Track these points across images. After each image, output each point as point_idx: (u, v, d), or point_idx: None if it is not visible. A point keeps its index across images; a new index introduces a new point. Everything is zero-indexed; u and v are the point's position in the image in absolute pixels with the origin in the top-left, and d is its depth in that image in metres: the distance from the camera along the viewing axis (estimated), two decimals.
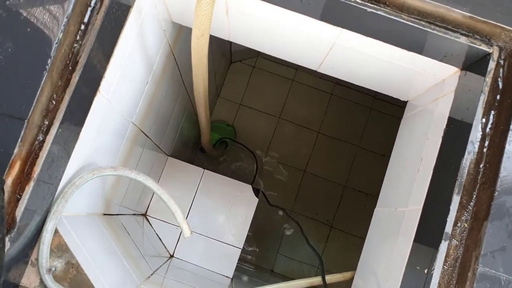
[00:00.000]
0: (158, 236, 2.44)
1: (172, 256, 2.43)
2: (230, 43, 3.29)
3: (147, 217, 2.44)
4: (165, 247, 2.43)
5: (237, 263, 2.49)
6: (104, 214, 1.67)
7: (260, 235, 3.48)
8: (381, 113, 3.70)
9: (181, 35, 1.80)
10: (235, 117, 3.68)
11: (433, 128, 1.32)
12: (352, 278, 1.59)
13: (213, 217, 2.49)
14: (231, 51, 3.46)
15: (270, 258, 3.50)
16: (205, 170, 2.53)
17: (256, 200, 2.50)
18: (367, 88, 3.70)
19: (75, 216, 1.34)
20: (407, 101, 1.66)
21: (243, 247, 2.49)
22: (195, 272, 2.30)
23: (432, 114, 1.37)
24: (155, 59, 1.59)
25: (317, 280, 1.57)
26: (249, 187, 2.52)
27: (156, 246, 2.34)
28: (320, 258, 1.64)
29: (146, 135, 1.83)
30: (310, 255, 3.52)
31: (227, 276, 2.41)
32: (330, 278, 1.55)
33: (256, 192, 2.52)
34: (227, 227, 2.48)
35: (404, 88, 1.54)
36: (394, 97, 1.65)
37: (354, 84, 3.72)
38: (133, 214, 2.19)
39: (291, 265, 3.51)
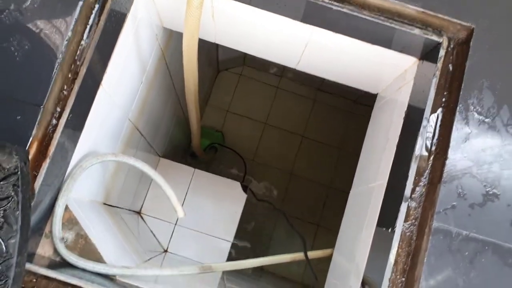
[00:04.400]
0: (152, 233, 2.58)
1: (166, 251, 2.58)
2: (217, 52, 3.48)
3: (142, 215, 2.59)
4: (159, 243, 2.58)
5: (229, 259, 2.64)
6: (104, 204, 1.83)
7: (250, 235, 3.63)
8: (361, 116, 3.88)
9: (171, 41, 1.97)
10: (223, 124, 3.85)
11: (397, 111, 1.49)
12: (331, 254, 1.75)
13: (205, 213, 2.64)
14: (218, 60, 3.65)
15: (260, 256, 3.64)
16: (196, 169, 2.69)
17: (244, 196, 2.67)
18: (347, 93, 3.88)
19: (81, 200, 1.49)
20: (377, 94, 1.84)
21: (235, 244, 2.64)
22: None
23: (396, 100, 1.55)
24: (148, 61, 1.76)
25: (299, 255, 1.72)
26: (237, 184, 2.68)
27: (151, 241, 2.49)
28: (303, 238, 1.79)
29: (140, 133, 1.99)
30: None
31: None
32: (311, 254, 1.71)
33: (245, 188, 2.68)
34: (217, 222, 2.63)
35: (374, 80, 1.72)
36: (366, 90, 1.82)
37: (335, 90, 3.90)
38: (129, 210, 2.34)
39: (280, 264, 3.64)
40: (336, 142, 3.88)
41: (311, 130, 3.90)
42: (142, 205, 2.59)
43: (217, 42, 1.76)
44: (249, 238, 3.63)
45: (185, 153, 3.57)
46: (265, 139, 3.87)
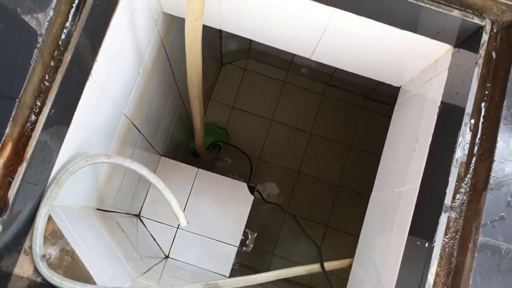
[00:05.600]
0: (152, 237, 2.41)
1: (167, 256, 2.41)
2: (221, 44, 3.29)
3: (141, 218, 2.41)
4: (160, 248, 2.41)
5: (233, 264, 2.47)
6: (98, 209, 1.65)
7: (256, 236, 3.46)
8: (372, 113, 3.70)
9: (172, 28, 1.79)
10: (228, 120, 3.67)
11: (428, 106, 1.31)
12: (351, 265, 1.57)
13: (209, 216, 2.47)
14: (222, 52, 3.46)
15: (265, 260, 3.47)
16: (199, 169, 2.51)
17: (251, 197, 2.49)
18: (358, 88, 3.70)
19: (68, 207, 1.31)
20: (399, 88, 1.66)
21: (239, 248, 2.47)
22: (192, 271, 2.27)
23: (426, 94, 1.36)
24: (146, 50, 1.57)
25: (315, 267, 1.55)
26: (244, 185, 2.50)
27: (151, 246, 2.32)
28: (318, 246, 1.62)
29: (138, 129, 1.81)
30: (306, 256, 3.50)
31: (224, 275, 2.39)
32: (328, 265, 1.54)
33: (251, 190, 2.50)
34: (223, 226, 2.46)
35: (397, 71, 1.54)
36: (387, 82, 1.64)
37: (345, 85, 3.71)
38: (127, 214, 2.17)
39: (287, 267, 3.47)
40: (346, 139, 3.70)
41: (319, 126, 3.72)
42: (142, 207, 2.42)
43: (222, 28, 1.57)
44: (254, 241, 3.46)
45: (186, 152, 3.39)
46: (272, 137, 3.69)
